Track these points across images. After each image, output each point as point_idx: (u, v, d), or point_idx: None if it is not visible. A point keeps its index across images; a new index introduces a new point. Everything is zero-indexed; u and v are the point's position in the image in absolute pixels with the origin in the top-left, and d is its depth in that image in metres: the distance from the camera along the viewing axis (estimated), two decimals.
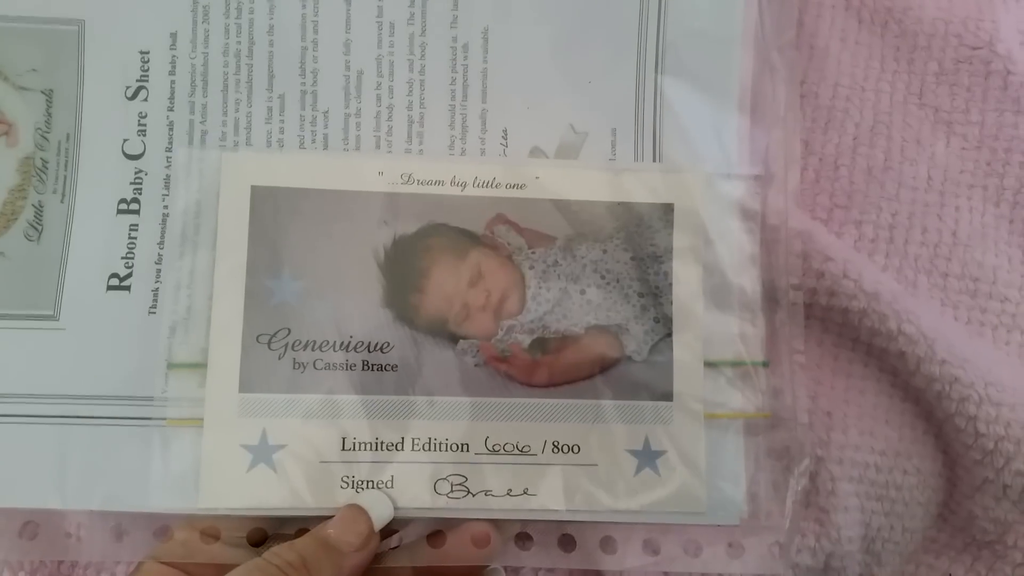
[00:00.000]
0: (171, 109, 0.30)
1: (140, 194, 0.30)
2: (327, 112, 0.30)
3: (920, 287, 0.32)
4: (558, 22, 0.30)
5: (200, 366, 0.28)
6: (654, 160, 0.31)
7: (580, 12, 0.30)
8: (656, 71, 0.30)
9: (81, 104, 0.30)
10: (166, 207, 0.30)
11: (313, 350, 0.28)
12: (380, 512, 0.27)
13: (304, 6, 0.30)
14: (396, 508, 0.27)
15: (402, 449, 0.28)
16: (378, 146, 0.30)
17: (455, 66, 0.31)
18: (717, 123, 0.31)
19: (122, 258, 0.29)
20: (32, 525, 0.28)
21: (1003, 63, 0.34)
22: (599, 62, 0.31)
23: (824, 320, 0.32)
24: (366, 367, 0.28)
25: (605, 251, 0.30)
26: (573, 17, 0.30)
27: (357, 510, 0.26)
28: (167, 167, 0.30)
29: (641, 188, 0.30)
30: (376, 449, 0.28)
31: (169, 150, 0.30)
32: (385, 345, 0.29)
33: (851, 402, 0.31)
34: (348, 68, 0.30)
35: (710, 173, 0.30)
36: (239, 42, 0.30)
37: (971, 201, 0.33)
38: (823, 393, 0.31)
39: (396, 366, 0.28)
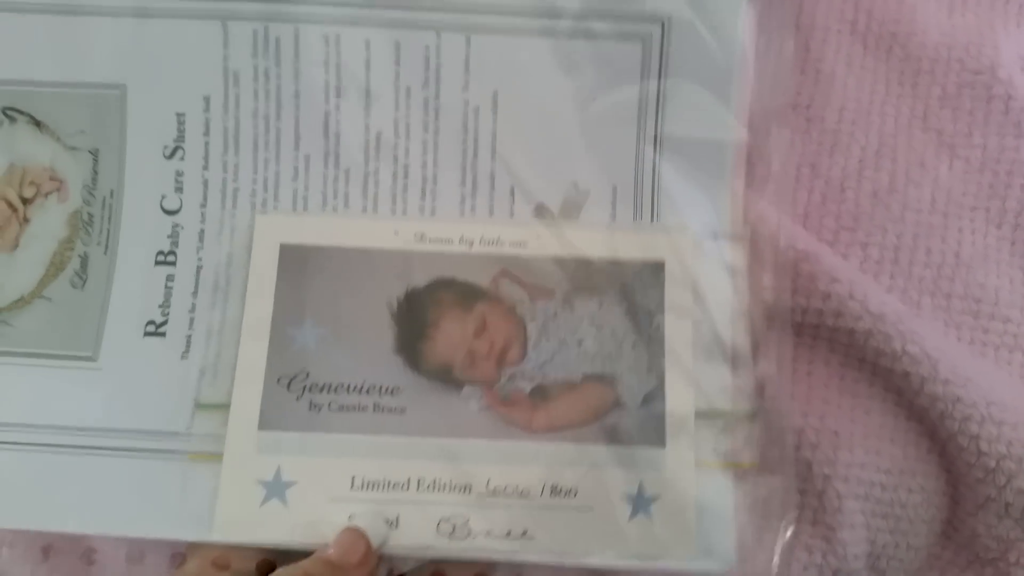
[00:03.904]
0: (206, 168, 0.33)
1: (176, 247, 0.32)
2: (348, 171, 0.33)
3: (924, 308, 0.33)
4: (562, 89, 0.32)
5: (225, 406, 0.31)
6: (652, 217, 0.32)
7: (583, 82, 0.32)
8: (655, 143, 0.32)
9: (124, 162, 0.33)
10: (200, 259, 0.32)
11: (329, 392, 0.31)
12: (376, 531, 0.29)
13: (327, 72, 0.33)
14: (401, 546, 0.29)
15: (408, 489, 0.30)
16: (395, 202, 0.33)
17: (466, 127, 0.33)
18: (711, 186, 0.32)
19: (159, 306, 0.32)
20: (51, 548, 0.30)
21: (1004, 88, 0.34)
22: (601, 127, 0.32)
23: (831, 340, 0.32)
24: (377, 409, 0.31)
25: (601, 305, 0.32)
26: (576, 85, 0.32)
27: (355, 532, 0.29)
28: (202, 222, 0.33)
29: (634, 247, 0.32)
30: (383, 489, 0.30)
31: (204, 206, 0.33)
32: (395, 389, 0.31)
33: (857, 421, 0.32)
34: (368, 131, 0.33)
35: (701, 233, 0.32)
36: (268, 106, 0.33)
37: (974, 223, 0.34)
38: (830, 412, 0.32)
39: (405, 409, 0.31)
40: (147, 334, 0.32)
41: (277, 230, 0.32)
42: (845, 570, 0.31)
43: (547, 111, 0.33)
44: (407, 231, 0.32)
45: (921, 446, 0.32)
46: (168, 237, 0.32)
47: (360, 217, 0.33)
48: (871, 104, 0.34)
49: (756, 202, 0.32)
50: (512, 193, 0.33)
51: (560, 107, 0.33)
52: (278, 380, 0.31)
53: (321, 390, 0.31)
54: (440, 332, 0.31)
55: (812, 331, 0.32)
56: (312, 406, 0.31)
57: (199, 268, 0.32)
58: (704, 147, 0.32)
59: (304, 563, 0.27)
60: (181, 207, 0.33)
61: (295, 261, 0.32)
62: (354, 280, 0.32)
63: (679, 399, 0.31)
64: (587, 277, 0.32)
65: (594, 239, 0.32)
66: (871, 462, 0.31)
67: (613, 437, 0.31)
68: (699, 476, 0.30)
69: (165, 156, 0.33)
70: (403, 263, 0.32)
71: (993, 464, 0.31)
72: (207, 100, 0.33)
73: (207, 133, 0.33)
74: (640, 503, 0.30)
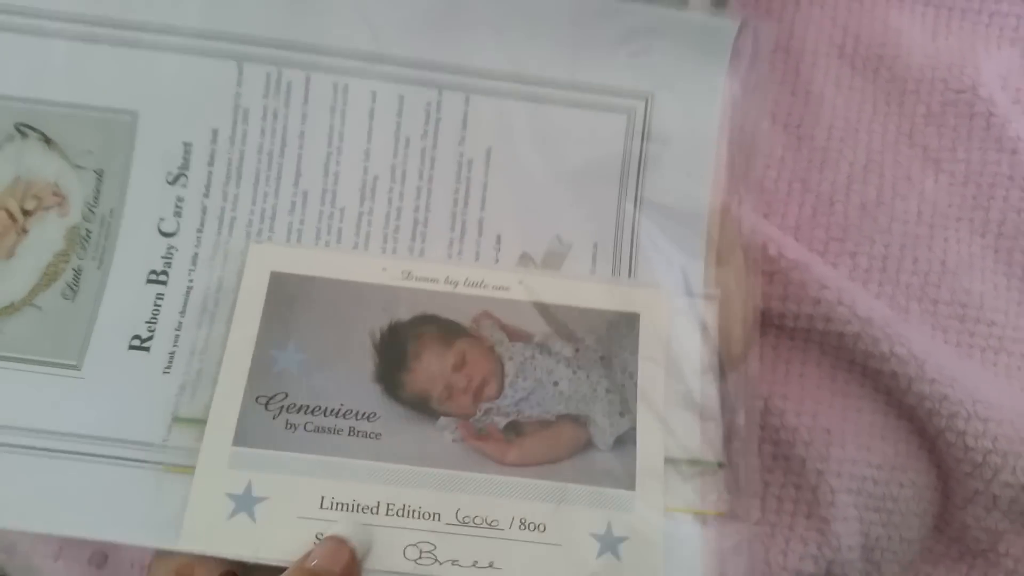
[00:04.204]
0: (206, 196, 0.34)
1: (169, 267, 0.33)
2: (343, 209, 0.34)
3: (912, 313, 0.35)
4: (551, 150, 0.35)
5: (201, 422, 0.31)
6: (629, 273, 0.34)
7: (571, 146, 0.35)
8: (635, 205, 0.35)
9: (127, 184, 0.34)
10: (191, 281, 0.33)
11: (306, 413, 0.31)
12: (361, 540, 0.29)
13: (332, 117, 0.35)
14: (366, 570, 0.29)
15: (377, 513, 0.30)
16: (385, 241, 0.34)
17: (459, 178, 0.35)
18: (686, 248, 0.34)
19: (146, 322, 0.32)
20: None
21: (986, 106, 0.37)
22: (585, 187, 0.35)
23: (822, 344, 0.34)
24: (352, 433, 0.31)
25: (577, 350, 0.33)
26: (564, 149, 0.35)
27: (337, 540, 0.28)
28: (197, 246, 0.34)
29: (612, 299, 0.34)
30: (352, 511, 0.30)
31: (201, 231, 0.34)
32: (372, 415, 0.31)
33: (849, 419, 0.33)
34: (366, 173, 0.35)
35: (675, 290, 0.34)
36: (272, 143, 0.35)
37: (959, 233, 0.36)
38: (822, 411, 0.33)
39: (380, 435, 0.31)
40: (132, 348, 0.32)
41: (269, 258, 0.33)
42: (839, 561, 0.32)
43: (536, 169, 0.35)
44: (395, 268, 0.34)
45: (911, 443, 0.33)
46: (162, 258, 0.33)
47: (351, 252, 0.34)
48: (859, 122, 0.37)
49: (748, 216, 0.34)
50: (498, 241, 0.35)
51: (548, 166, 0.35)
52: (257, 399, 0.31)
53: (298, 411, 0.31)
54: (420, 364, 0.32)
55: (804, 335, 0.34)
56: (288, 425, 0.31)
57: (189, 289, 0.33)
58: (681, 212, 0.35)
59: (285, 573, 0.27)
60: (178, 230, 0.34)
61: (284, 288, 0.33)
62: (340, 310, 0.33)
63: (650, 445, 0.32)
64: (565, 324, 0.33)
65: (574, 289, 0.34)
66: (863, 458, 0.32)
67: (584, 477, 0.31)
68: (667, 521, 0.31)
69: (168, 181, 0.34)
70: (389, 297, 0.33)
71: (980, 459, 0.32)
72: (215, 132, 0.35)
73: (211, 163, 0.34)
74: (608, 542, 0.30)
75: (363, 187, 0.35)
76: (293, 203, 0.34)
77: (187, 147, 0.34)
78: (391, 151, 0.35)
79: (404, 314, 0.33)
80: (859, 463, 0.33)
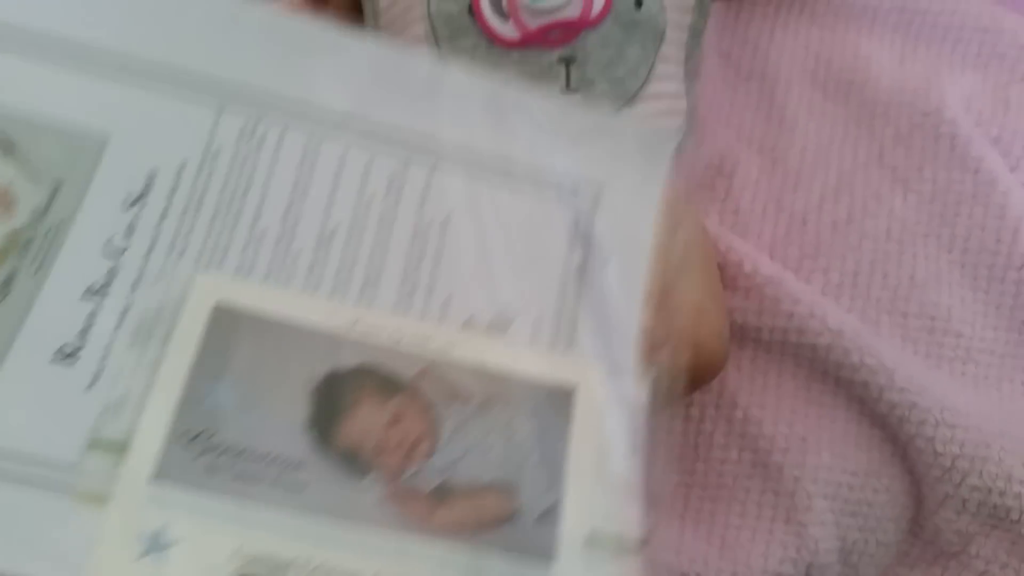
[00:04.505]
0: (160, 223, 0.34)
1: (109, 286, 0.32)
2: (298, 253, 0.35)
3: (882, 326, 0.36)
4: (505, 225, 0.36)
5: (119, 447, 0.29)
6: (568, 348, 0.35)
7: (523, 225, 0.37)
8: (578, 287, 0.36)
9: (82, 201, 0.33)
10: (130, 302, 0.32)
11: (231, 456, 0.30)
12: None
13: (300, 169, 0.36)
14: None
15: (290, 568, 0.29)
16: (335, 288, 0.34)
17: (415, 240, 0.36)
18: (622, 330, 0.36)
19: (76, 334, 0.31)
20: None
21: (951, 127, 0.39)
22: (532, 263, 0.36)
23: (796, 356, 0.35)
24: (277, 481, 0.30)
25: (513, 419, 0.33)
26: (517, 226, 0.37)
27: None
28: (142, 269, 0.33)
29: (550, 371, 0.34)
30: (267, 565, 0.29)
31: (148, 256, 0.33)
32: (300, 464, 0.30)
33: (824, 428, 0.34)
34: (324, 224, 0.35)
35: (610, 369, 0.35)
36: (238, 183, 0.35)
37: (926, 249, 0.38)
38: (798, 420, 0.34)
39: (305, 486, 0.30)
40: (55, 359, 0.31)
41: (215, 289, 0.33)
42: (818, 564, 0.32)
43: (489, 241, 0.36)
44: (342, 315, 0.34)
45: (884, 450, 0.35)
46: (104, 274, 0.33)
47: (299, 293, 0.34)
48: (831, 145, 0.39)
49: (726, 235, 0.36)
50: (446, 303, 0.35)
51: (500, 239, 0.36)
52: (182, 433, 0.30)
53: (224, 452, 0.30)
54: (355, 417, 0.32)
55: (779, 348, 0.35)
56: (212, 466, 0.30)
57: (127, 309, 0.32)
58: (618, 296, 0.36)
59: None
60: (125, 251, 0.33)
61: (226, 322, 0.32)
62: (280, 351, 0.32)
63: (574, 519, 0.32)
64: (503, 391, 0.34)
65: (514, 357, 0.34)
66: (838, 465, 0.34)
67: (507, 546, 0.31)
68: None
69: (125, 204, 0.34)
70: (332, 344, 0.33)
71: (949, 464, 0.33)
72: (182, 166, 0.35)
73: (172, 195, 0.34)
74: None
75: (320, 236, 0.35)
76: (248, 241, 0.34)
77: (151, 174, 0.34)
78: (352, 205, 0.36)
79: (345, 362, 0.33)
80: (834, 470, 0.34)
